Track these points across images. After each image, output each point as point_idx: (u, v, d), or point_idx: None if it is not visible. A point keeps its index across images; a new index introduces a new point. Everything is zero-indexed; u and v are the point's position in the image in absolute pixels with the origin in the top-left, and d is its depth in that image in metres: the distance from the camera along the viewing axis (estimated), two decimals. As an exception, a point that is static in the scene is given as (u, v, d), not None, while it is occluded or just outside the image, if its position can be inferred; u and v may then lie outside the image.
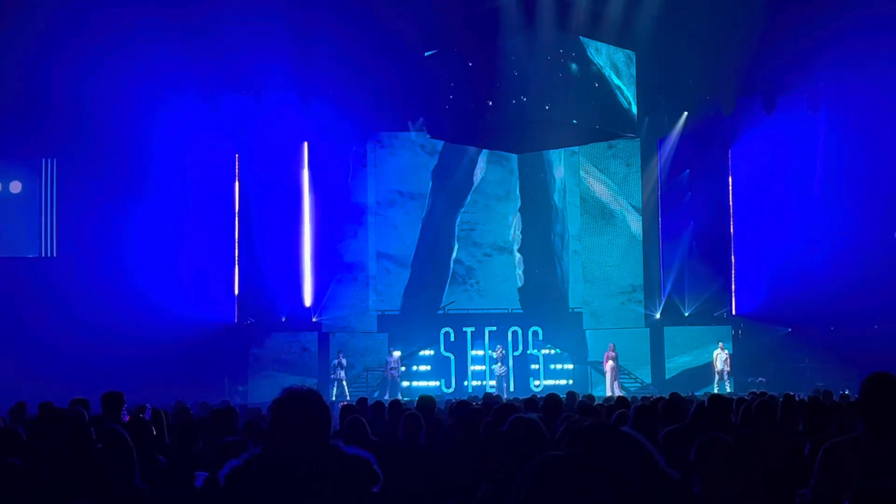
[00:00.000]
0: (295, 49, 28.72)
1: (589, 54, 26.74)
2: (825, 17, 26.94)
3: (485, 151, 32.88)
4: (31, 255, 31.12)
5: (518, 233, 33.43)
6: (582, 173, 33.61)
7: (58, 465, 3.89)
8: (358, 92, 30.97)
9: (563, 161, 33.46)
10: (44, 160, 31.27)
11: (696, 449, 5.28)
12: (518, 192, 33.51)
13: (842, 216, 30.46)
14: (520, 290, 33.14)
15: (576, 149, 32.63)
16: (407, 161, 33.35)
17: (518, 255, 33.32)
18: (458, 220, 33.38)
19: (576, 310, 33.02)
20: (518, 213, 33.47)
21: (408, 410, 10.40)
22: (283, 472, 3.86)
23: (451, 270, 33.24)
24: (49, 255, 31.13)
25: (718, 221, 32.93)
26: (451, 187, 33.22)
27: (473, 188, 33.37)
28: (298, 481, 3.86)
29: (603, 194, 33.51)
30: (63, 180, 31.21)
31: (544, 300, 32.82)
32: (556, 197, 33.51)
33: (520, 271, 33.36)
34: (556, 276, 33.38)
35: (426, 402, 10.54)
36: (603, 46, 26.77)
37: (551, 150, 32.73)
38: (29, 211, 31.31)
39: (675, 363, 31.99)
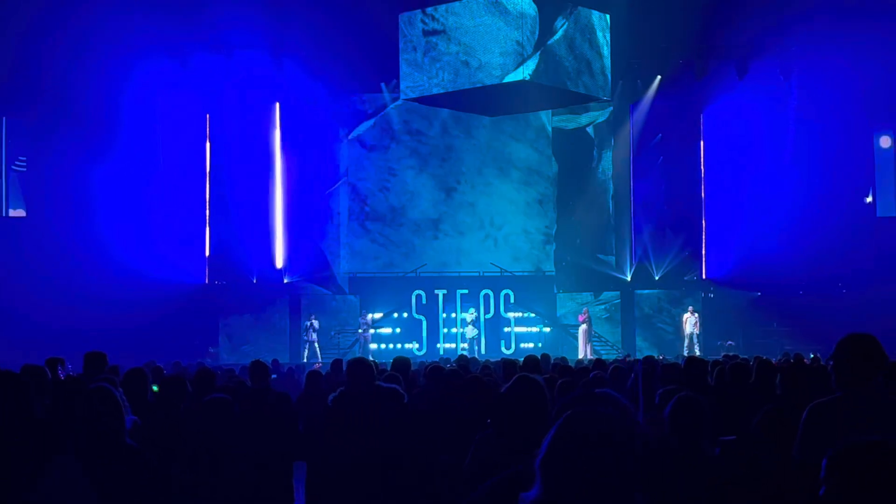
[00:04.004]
0: (267, 6, 28.46)
1: (563, 16, 26.66)
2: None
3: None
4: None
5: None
6: (559, 136, 33.83)
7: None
8: (330, 52, 30.74)
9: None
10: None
11: (671, 409, 5.31)
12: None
13: (812, 181, 30.64)
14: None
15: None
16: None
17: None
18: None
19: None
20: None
21: (384, 372, 10.43)
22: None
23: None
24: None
25: (690, 186, 33.05)
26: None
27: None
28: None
29: (576, 156, 33.74)
30: (23, 139, 30.85)
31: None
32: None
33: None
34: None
35: (402, 363, 10.57)
36: (578, 9, 26.69)
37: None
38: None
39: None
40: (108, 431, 4.27)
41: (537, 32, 25.54)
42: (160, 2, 27.28)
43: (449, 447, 6.98)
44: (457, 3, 26.20)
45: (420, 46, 26.89)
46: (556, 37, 26.43)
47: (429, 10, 26.72)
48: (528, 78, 25.56)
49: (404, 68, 27.62)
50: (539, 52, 25.75)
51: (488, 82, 27.35)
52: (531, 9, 25.67)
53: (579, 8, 26.71)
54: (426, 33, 26.78)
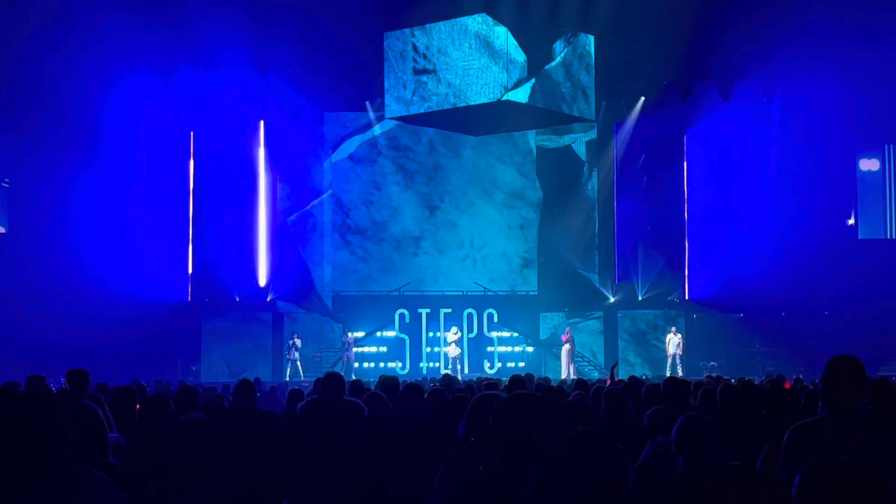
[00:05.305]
0: (252, 24, 28.47)
1: (563, 40, 26.93)
2: (781, 7, 27.21)
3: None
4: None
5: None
6: (542, 156, 33.98)
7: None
8: (315, 71, 30.75)
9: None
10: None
11: (678, 429, 5.31)
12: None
13: (795, 203, 30.80)
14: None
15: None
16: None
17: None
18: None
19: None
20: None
21: (368, 390, 10.40)
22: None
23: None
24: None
25: (673, 207, 33.15)
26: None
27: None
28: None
29: (560, 175, 33.90)
30: (5, 155, 30.71)
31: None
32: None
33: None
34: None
35: (389, 382, 10.46)
36: (562, 30, 26.88)
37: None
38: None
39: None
40: (91, 448, 4.27)
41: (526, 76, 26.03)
42: (145, 17, 27.19)
43: (431, 463, 7.02)
44: (448, 41, 26.39)
45: (410, 84, 27.10)
46: (555, 63, 26.71)
47: (420, 48, 26.89)
48: (524, 101, 25.90)
49: (392, 105, 27.91)
50: (536, 77, 26.10)
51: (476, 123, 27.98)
52: (520, 56, 25.98)
53: (580, 34, 26.99)
54: (416, 72, 26.97)
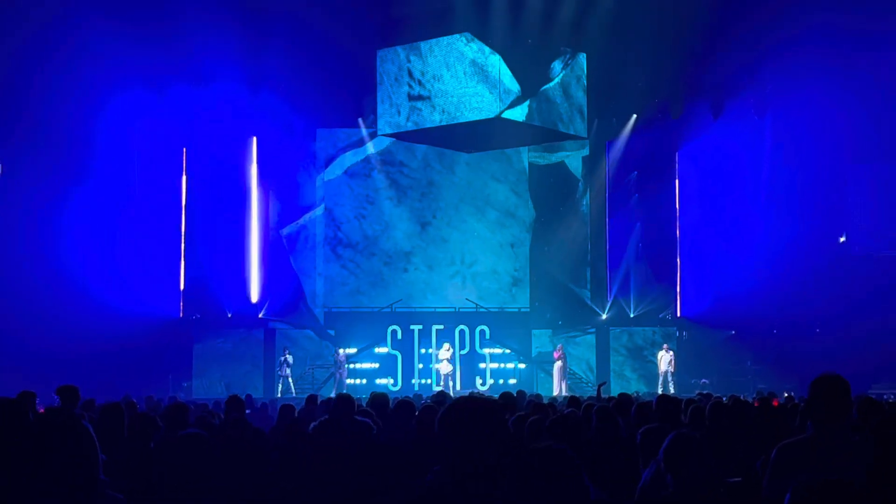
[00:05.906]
0: (244, 39, 28.50)
1: (561, 60, 27.07)
2: (772, 24, 27.33)
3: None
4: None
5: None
6: (534, 171, 34.03)
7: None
8: (308, 87, 30.75)
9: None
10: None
11: (666, 447, 5.32)
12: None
13: (786, 221, 30.83)
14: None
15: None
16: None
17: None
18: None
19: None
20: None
21: (359, 407, 10.40)
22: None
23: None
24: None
25: (665, 224, 33.19)
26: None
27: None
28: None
29: (552, 192, 33.92)
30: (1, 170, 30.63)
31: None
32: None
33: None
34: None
35: (380, 399, 10.41)
36: (561, 50, 27.03)
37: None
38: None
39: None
40: (83, 465, 4.27)
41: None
42: (137, 32, 27.16)
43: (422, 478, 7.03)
44: (443, 67, 26.51)
45: (404, 109, 27.24)
46: (553, 83, 26.87)
47: (415, 73, 27.00)
48: (521, 120, 26.05)
49: (386, 129, 28.02)
50: (533, 96, 26.26)
51: (469, 140, 27.98)
52: (514, 86, 26.11)
53: (578, 54, 27.12)
54: (411, 97, 27.10)
